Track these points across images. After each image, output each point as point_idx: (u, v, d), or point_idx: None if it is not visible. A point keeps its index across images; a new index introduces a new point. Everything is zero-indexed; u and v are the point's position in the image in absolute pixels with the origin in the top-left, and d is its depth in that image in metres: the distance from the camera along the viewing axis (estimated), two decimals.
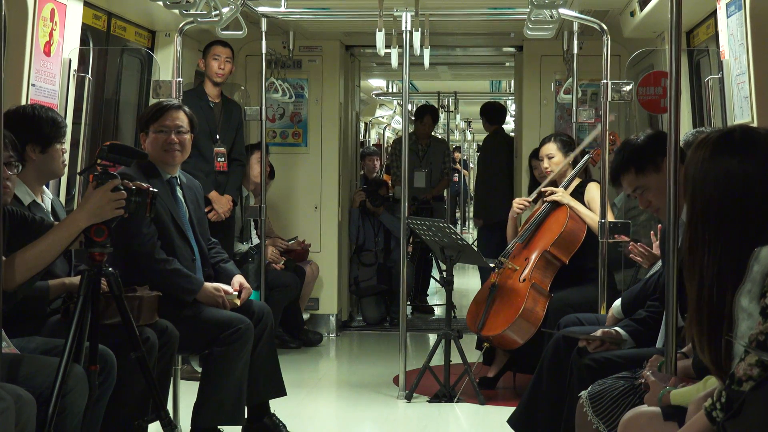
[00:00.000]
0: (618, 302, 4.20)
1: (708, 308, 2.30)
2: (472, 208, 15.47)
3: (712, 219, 2.34)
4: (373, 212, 8.58)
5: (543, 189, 5.93)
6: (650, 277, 4.18)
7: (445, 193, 10.58)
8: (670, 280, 2.82)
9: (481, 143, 10.28)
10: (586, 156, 5.93)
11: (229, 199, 6.53)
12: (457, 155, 17.25)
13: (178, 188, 4.63)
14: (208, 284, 4.50)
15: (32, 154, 3.76)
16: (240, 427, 4.69)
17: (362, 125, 12.62)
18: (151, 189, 3.62)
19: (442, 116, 13.23)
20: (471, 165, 20.24)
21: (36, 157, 3.78)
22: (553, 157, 5.99)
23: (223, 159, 6.45)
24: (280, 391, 4.78)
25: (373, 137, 17.03)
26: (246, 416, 4.67)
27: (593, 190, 5.87)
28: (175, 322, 4.23)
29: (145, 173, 4.43)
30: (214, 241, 4.89)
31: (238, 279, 4.70)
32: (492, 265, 5.91)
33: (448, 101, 13.22)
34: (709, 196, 2.36)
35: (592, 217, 5.66)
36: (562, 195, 5.81)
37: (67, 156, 4.01)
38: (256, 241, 7.03)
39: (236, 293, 4.59)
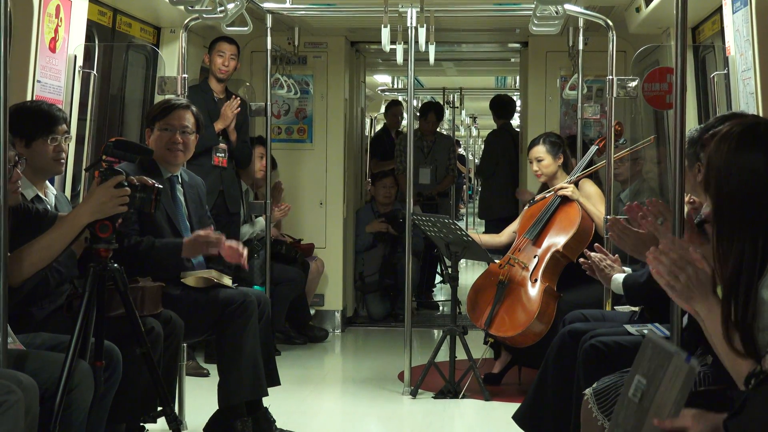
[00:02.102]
0: (620, 277, 4.14)
1: (735, 298, 2.31)
2: (476, 205, 15.46)
3: (737, 212, 2.35)
4: (395, 236, 8.53)
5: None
6: None
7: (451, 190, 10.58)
8: None
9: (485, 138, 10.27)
10: (593, 147, 5.92)
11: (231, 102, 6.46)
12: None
13: (178, 186, 4.64)
14: (189, 239, 4.40)
15: (18, 148, 3.70)
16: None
17: (368, 121, 12.61)
18: (156, 185, 3.62)
19: (448, 112, 13.22)
20: (472, 158, 20.16)
21: (22, 151, 3.70)
22: (543, 160, 5.98)
23: (223, 155, 6.44)
24: (273, 381, 4.76)
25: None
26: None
27: (588, 187, 5.86)
28: (180, 308, 4.25)
29: (146, 170, 4.41)
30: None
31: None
32: (497, 261, 5.90)
33: (454, 97, 13.21)
34: (733, 189, 2.36)
35: (599, 216, 5.66)
36: (572, 191, 5.79)
37: (71, 152, 3.98)
38: (259, 224, 7.02)
39: (227, 278, 4.58)
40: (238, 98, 6.52)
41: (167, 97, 4.98)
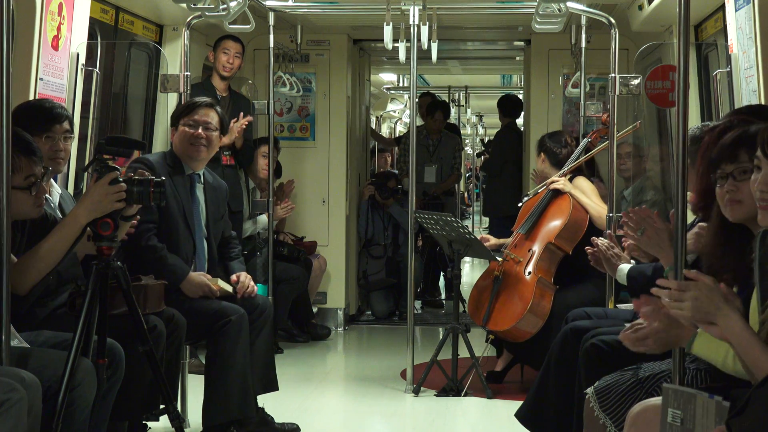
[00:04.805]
0: (626, 267, 4.04)
1: None
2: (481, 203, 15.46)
3: None
4: (382, 204, 8.59)
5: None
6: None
7: (461, 188, 10.57)
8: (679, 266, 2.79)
9: (492, 137, 10.28)
10: (585, 140, 5.92)
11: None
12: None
13: (198, 185, 4.64)
14: (194, 275, 4.47)
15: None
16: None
17: (373, 119, 12.61)
18: (153, 178, 3.57)
19: (453, 111, 13.22)
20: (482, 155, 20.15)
21: None
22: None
23: (229, 153, 6.44)
24: (272, 386, 4.76)
25: (385, 131, 17.03)
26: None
27: (582, 182, 5.85)
28: (180, 309, 4.24)
29: (170, 166, 4.51)
30: (234, 238, 4.90)
31: (237, 274, 4.69)
32: (499, 259, 5.91)
33: (459, 95, 13.20)
34: None
35: (594, 207, 5.66)
36: (563, 183, 5.80)
37: (74, 150, 3.95)
38: (261, 222, 7.02)
39: (230, 285, 4.59)
40: (250, 117, 6.46)
41: (164, 94, 5.01)
